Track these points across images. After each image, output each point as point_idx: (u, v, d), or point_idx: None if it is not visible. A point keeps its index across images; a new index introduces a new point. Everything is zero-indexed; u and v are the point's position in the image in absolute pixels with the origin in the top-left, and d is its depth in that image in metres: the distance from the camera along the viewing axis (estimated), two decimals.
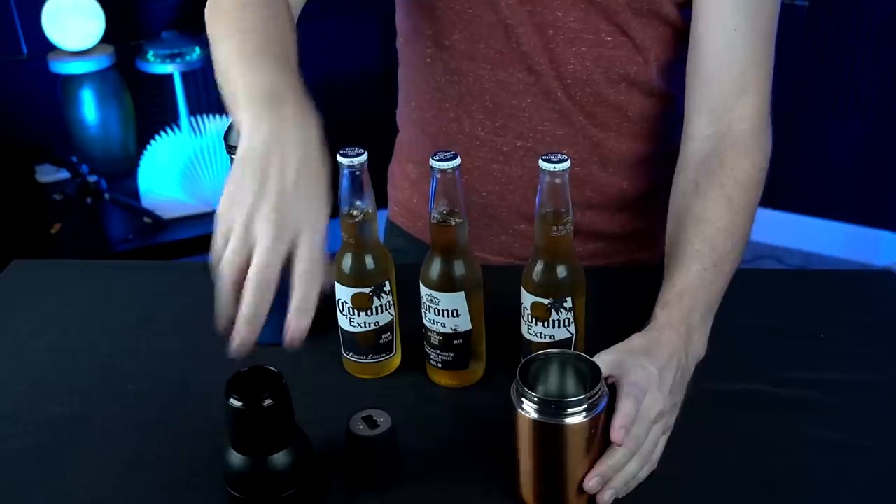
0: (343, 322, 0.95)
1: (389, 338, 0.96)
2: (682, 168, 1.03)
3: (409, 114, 1.21)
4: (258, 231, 0.70)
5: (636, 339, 0.86)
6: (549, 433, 0.76)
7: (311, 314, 0.71)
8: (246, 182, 0.72)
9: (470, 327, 0.92)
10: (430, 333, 0.93)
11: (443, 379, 0.95)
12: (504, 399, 0.83)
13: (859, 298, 1.11)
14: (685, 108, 1.05)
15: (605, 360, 0.81)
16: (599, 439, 0.77)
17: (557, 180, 0.83)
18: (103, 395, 0.97)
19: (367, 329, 0.94)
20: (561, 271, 0.87)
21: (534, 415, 0.75)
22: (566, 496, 0.79)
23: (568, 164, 0.83)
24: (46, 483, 0.84)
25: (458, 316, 0.91)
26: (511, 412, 0.77)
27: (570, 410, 0.74)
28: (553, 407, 0.75)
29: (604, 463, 0.77)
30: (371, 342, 0.95)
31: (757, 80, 1.01)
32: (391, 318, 0.95)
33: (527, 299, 0.88)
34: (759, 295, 1.12)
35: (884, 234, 2.99)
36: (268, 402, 0.75)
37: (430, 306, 0.91)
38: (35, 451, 0.88)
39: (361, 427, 0.80)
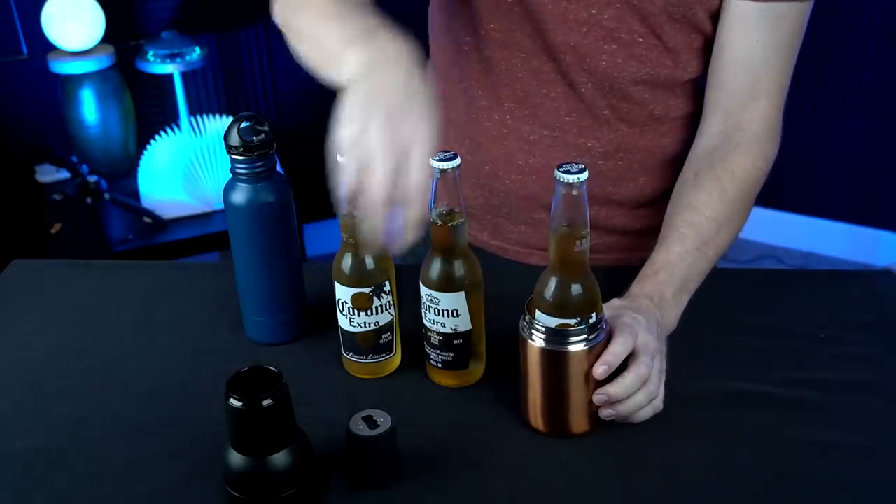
0: (343, 322, 0.95)
1: (389, 338, 0.96)
2: (689, 160, 1.09)
3: (438, 106, 1.22)
4: (371, 146, 0.73)
5: (616, 301, 0.92)
6: (555, 360, 0.84)
7: (423, 229, 0.75)
8: (355, 110, 0.75)
9: (470, 327, 0.92)
10: (430, 333, 0.93)
11: (443, 379, 0.95)
12: (504, 399, 0.83)
13: (859, 298, 1.11)
14: (703, 107, 1.10)
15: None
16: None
17: (575, 192, 0.79)
18: (103, 395, 0.97)
19: (367, 329, 0.94)
20: (577, 289, 0.84)
21: (541, 344, 0.83)
22: (570, 419, 0.87)
23: (586, 175, 0.78)
24: (46, 483, 0.84)
25: (458, 316, 0.91)
26: (521, 345, 0.85)
27: (573, 339, 0.83)
28: (558, 336, 0.83)
29: (615, 384, 0.84)
30: (371, 342, 0.95)
31: (771, 88, 1.06)
32: (391, 318, 0.95)
33: (549, 322, 0.84)
34: (759, 295, 1.12)
35: (883, 234, 2.99)
36: (268, 402, 0.75)
37: (430, 306, 0.91)
38: (35, 451, 0.88)
39: (361, 427, 0.80)
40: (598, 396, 0.85)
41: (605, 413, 0.86)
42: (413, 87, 0.77)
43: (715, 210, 1.01)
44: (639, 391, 0.85)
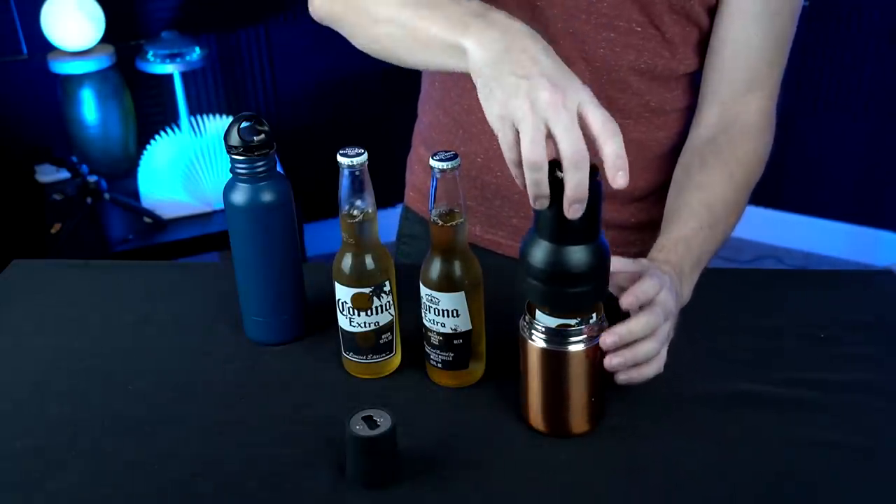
0: (343, 322, 0.95)
1: (389, 338, 0.96)
2: (687, 149, 1.10)
3: (432, 95, 1.23)
4: (546, 107, 0.74)
5: (643, 260, 0.92)
6: (555, 360, 0.84)
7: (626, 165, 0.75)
8: (508, 79, 0.76)
9: (470, 327, 0.92)
10: (430, 333, 0.93)
11: (443, 379, 0.95)
12: (504, 399, 0.83)
13: (859, 298, 1.11)
14: (698, 100, 1.11)
15: (625, 259, 0.89)
16: (598, 367, 0.85)
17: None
18: (103, 395, 0.97)
19: (367, 329, 0.94)
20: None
21: (541, 344, 0.84)
22: (570, 419, 0.87)
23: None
24: (46, 483, 0.84)
25: (458, 316, 0.91)
26: (521, 345, 0.86)
27: (573, 339, 0.83)
28: (558, 336, 0.83)
29: (625, 324, 0.83)
30: (371, 342, 0.95)
31: (768, 80, 1.08)
32: (391, 318, 0.95)
33: (549, 322, 0.85)
34: (759, 295, 1.12)
35: (884, 234, 2.99)
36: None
37: (430, 306, 0.91)
38: (35, 451, 0.88)
39: (361, 427, 0.80)
40: (608, 340, 0.83)
41: (612, 362, 0.84)
42: (551, 53, 0.78)
43: (725, 192, 1.03)
44: (647, 340, 0.84)
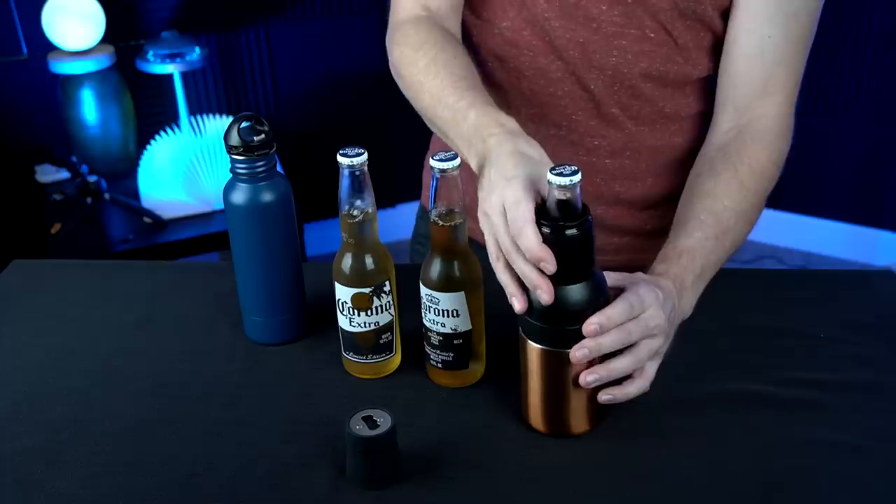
0: (343, 322, 0.95)
1: (389, 338, 0.96)
2: (702, 154, 1.09)
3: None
4: (483, 216, 0.86)
5: (640, 274, 0.91)
6: (555, 360, 0.84)
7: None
8: (479, 195, 0.87)
9: (470, 327, 0.92)
10: (430, 333, 0.93)
11: (443, 379, 0.95)
12: (504, 399, 0.83)
13: (859, 298, 1.11)
14: (714, 105, 1.10)
15: (618, 274, 0.88)
16: None
17: (568, 195, 0.78)
18: (103, 395, 0.97)
19: (367, 329, 0.94)
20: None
21: (541, 344, 0.83)
22: (569, 419, 0.87)
23: (579, 177, 0.78)
24: (46, 483, 0.85)
25: (458, 316, 0.91)
26: (521, 345, 0.86)
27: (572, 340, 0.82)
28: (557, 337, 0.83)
29: (593, 340, 0.82)
30: (371, 342, 0.95)
31: (784, 84, 1.06)
32: (391, 318, 0.95)
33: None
34: (759, 295, 1.12)
35: (884, 234, 2.99)
36: (572, 231, 0.79)
37: (430, 306, 0.91)
38: (35, 451, 0.88)
39: (361, 427, 0.80)
40: (577, 353, 0.81)
41: (586, 379, 0.83)
42: (503, 158, 0.85)
43: (733, 200, 1.01)
44: (622, 356, 0.83)
